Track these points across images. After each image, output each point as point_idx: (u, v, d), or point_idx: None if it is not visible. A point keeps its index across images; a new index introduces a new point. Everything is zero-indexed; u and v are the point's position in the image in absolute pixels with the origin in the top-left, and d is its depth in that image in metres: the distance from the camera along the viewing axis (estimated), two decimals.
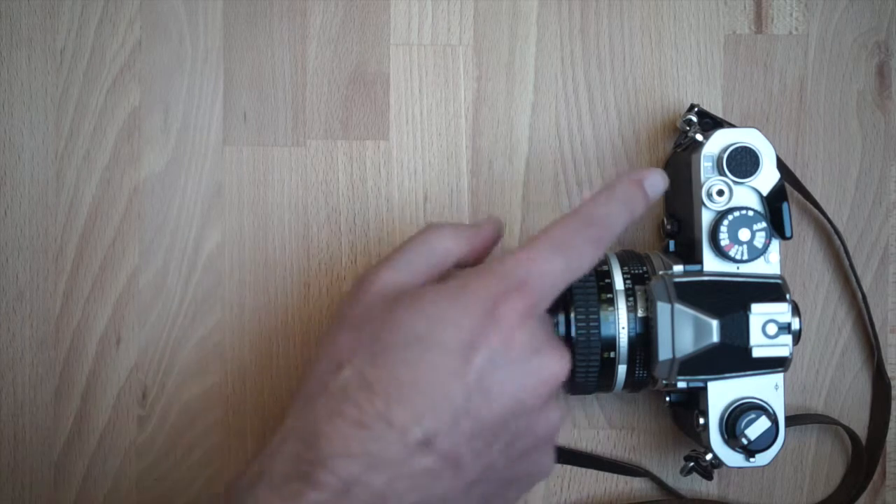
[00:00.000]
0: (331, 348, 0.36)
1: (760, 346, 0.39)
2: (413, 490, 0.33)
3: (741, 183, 0.41)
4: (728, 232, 0.41)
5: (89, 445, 0.48)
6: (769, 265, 0.41)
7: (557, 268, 0.35)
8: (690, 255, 0.43)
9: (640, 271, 0.42)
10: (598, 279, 0.41)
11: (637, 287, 0.41)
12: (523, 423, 0.35)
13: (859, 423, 0.49)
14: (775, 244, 0.41)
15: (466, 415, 0.33)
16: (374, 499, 0.32)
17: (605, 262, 0.42)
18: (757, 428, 0.41)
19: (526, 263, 0.35)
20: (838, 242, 0.48)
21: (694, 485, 0.48)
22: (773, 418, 0.41)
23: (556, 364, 0.35)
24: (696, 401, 0.43)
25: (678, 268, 0.41)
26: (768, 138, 0.42)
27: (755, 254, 0.41)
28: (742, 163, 0.41)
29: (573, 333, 0.41)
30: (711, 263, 0.41)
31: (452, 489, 0.33)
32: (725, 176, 0.41)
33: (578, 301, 0.41)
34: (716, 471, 0.44)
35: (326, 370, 0.35)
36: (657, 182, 0.40)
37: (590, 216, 0.37)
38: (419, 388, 0.33)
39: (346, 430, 0.32)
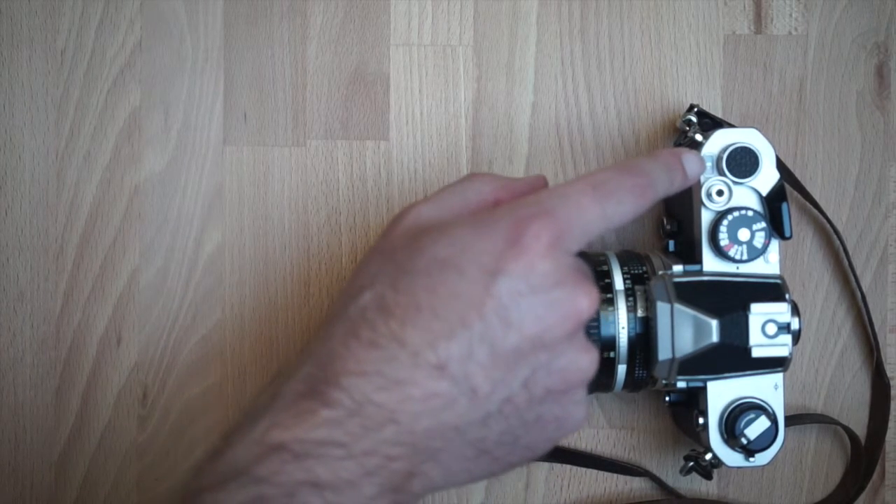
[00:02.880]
0: (357, 275, 0.36)
1: (760, 345, 0.39)
2: (425, 414, 0.32)
3: (741, 183, 0.41)
4: (728, 232, 0.41)
5: (89, 445, 0.48)
6: (769, 265, 0.41)
7: (591, 206, 0.34)
8: (690, 255, 0.43)
9: (640, 271, 0.42)
10: (598, 279, 0.42)
11: (637, 287, 0.42)
12: (544, 359, 0.33)
13: (858, 422, 0.49)
14: (775, 244, 0.41)
15: (482, 342, 0.32)
16: (385, 419, 0.32)
17: (604, 262, 0.42)
18: (756, 428, 0.41)
19: (557, 195, 0.34)
20: (838, 242, 0.48)
21: (693, 484, 0.48)
22: (773, 418, 0.41)
23: (580, 300, 0.33)
24: (695, 400, 0.43)
25: (678, 268, 0.41)
26: (768, 138, 0.42)
27: (755, 254, 0.41)
28: (741, 163, 0.41)
29: None
30: (711, 263, 0.41)
31: (467, 419, 0.33)
32: (725, 176, 0.41)
33: None
34: (715, 470, 0.44)
35: (349, 295, 0.35)
36: (694, 160, 0.39)
37: (633, 166, 0.36)
38: (436, 312, 0.32)
39: (359, 350, 0.32)
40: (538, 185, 0.40)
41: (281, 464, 0.31)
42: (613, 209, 0.35)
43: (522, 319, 0.33)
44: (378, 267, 0.35)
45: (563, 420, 0.35)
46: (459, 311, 0.32)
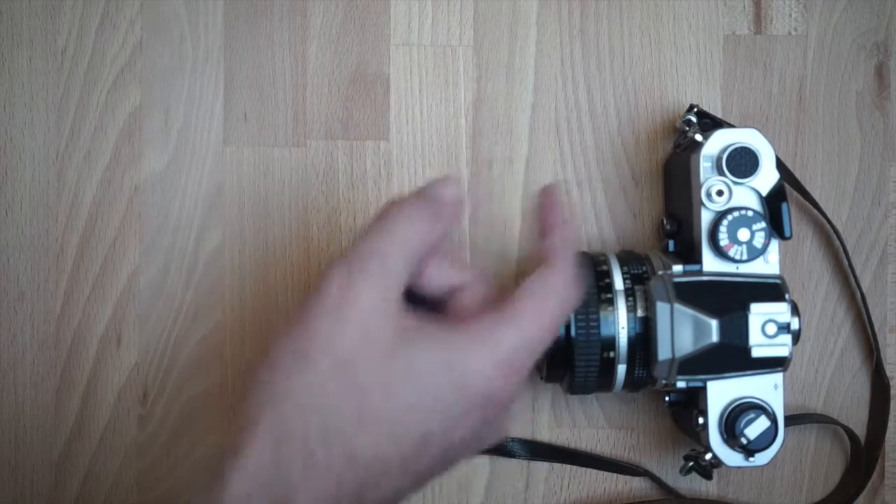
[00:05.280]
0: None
1: (760, 345, 0.39)
2: None
3: (740, 183, 0.41)
4: (727, 232, 0.41)
5: (89, 445, 0.48)
6: (768, 265, 0.41)
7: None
8: (690, 255, 0.43)
9: (640, 271, 0.42)
10: (598, 279, 0.42)
11: (637, 287, 0.42)
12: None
13: (858, 422, 0.49)
14: (774, 244, 0.41)
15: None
16: None
17: (604, 262, 0.42)
18: (756, 427, 0.41)
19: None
20: (837, 242, 0.48)
21: (693, 484, 0.48)
22: (773, 418, 0.41)
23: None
24: (695, 400, 0.43)
25: (678, 268, 0.41)
26: (767, 138, 0.42)
27: (754, 254, 0.41)
28: (741, 163, 0.41)
29: (573, 333, 0.41)
30: (711, 263, 0.41)
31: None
32: (725, 176, 0.41)
33: None
34: (715, 470, 0.44)
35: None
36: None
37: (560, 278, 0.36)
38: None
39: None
40: (458, 201, 0.37)
41: None
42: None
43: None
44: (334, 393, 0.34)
45: (486, 439, 0.36)
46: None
